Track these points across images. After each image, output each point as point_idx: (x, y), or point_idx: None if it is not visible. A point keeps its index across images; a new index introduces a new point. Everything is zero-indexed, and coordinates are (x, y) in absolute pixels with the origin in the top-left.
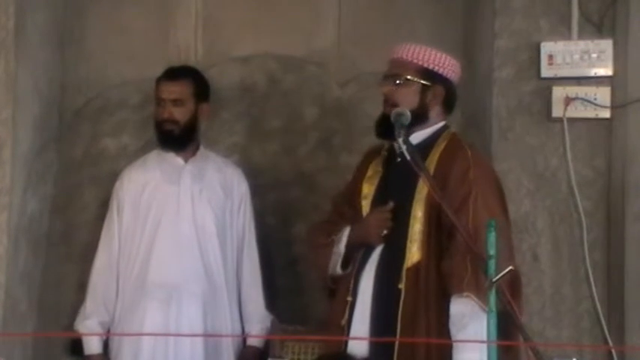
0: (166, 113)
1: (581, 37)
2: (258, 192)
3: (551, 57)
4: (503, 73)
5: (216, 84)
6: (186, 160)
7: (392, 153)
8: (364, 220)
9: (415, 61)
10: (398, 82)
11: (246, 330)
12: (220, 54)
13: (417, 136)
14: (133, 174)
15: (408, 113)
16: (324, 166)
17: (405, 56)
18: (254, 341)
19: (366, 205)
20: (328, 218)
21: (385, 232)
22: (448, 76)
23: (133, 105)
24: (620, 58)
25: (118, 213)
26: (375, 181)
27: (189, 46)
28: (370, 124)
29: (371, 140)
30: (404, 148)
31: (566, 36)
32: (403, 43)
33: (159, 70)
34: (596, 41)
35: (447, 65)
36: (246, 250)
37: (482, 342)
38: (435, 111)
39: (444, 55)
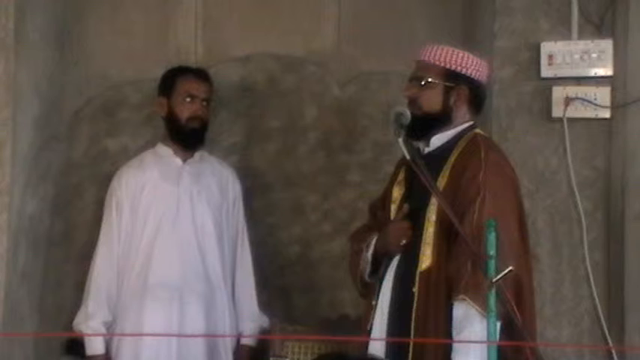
0: (199, 110)
1: (581, 37)
2: (258, 192)
3: (551, 57)
4: (503, 73)
5: (216, 84)
6: (184, 161)
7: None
8: (385, 229)
9: (438, 62)
10: (421, 84)
11: (240, 328)
12: (220, 54)
13: (441, 138)
14: (130, 174)
15: (408, 113)
16: (324, 166)
17: (427, 58)
18: (247, 340)
19: (394, 209)
20: (367, 223)
21: (404, 241)
22: (473, 75)
23: (133, 105)
24: (620, 58)
25: (117, 212)
26: (404, 185)
27: (189, 46)
28: (370, 124)
29: (371, 140)
30: (404, 148)
31: (566, 36)
32: (427, 45)
33: (159, 70)
34: (596, 41)
35: (471, 65)
36: (240, 249)
37: (482, 342)
38: (460, 111)
39: (467, 55)
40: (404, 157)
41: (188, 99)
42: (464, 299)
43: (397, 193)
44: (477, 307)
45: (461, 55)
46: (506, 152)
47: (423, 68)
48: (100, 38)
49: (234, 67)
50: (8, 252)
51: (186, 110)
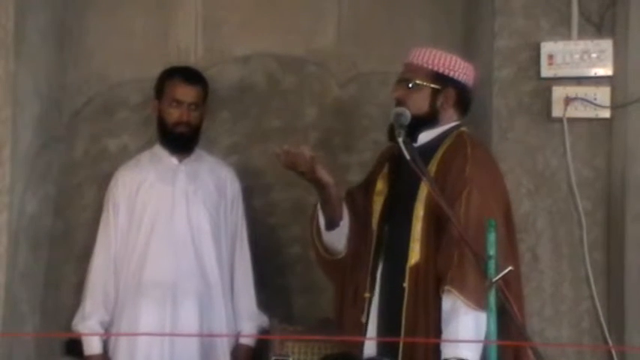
0: (184, 116)
1: (581, 37)
2: (258, 192)
3: (551, 57)
4: (503, 73)
5: (216, 84)
6: (180, 161)
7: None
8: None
9: (426, 65)
10: (409, 86)
11: (238, 328)
12: (220, 54)
13: (426, 136)
14: (127, 174)
15: (408, 113)
16: (324, 165)
17: (416, 60)
18: (246, 339)
19: (378, 202)
20: None
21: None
22: (460, 78)
23: (133, 105)
24: (620, 58)
25: (114, 213)
26: (388, 180)
27: (189, 46)
28: (370, 124)
29: (371, 140)
30: (403, 148)
31: (566, 36)
32: (416, 47)
33: (159, 70)
34: (596, 41)
35: (459, 68)
36: (239, 248)
37: (481, 342)
38: (447, 113)
39: (454, 58)
40: (388, 151)
41: (174, 104)
42: (450, 291)
43: (382, 185)
44: (463, 299)
45: (448, 58)
46: (506, 152)
47: (411, 70)
48: (100, 38)
49: (234, 67)
50: (8, 252)
51: (172, 115)
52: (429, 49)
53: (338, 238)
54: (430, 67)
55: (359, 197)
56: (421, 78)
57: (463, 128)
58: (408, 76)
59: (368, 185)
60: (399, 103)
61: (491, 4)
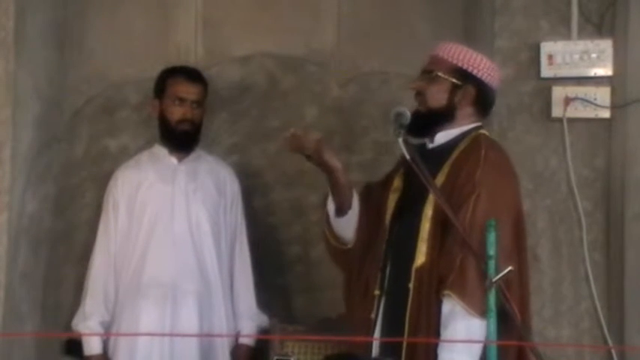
0: (188, 113)
1: (581, 37)
2: (258, 192)
3: (551, 57)
4: (503, 73)
5: (216, 84)
6: (180, 160)
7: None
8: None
9: (450, 59)
10: (430, 77)
11: (238, 327)
12: (220, 54)
13: (444, 136)
14: (127, 174)
15: (408, 113)
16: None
17: (441, 54)
18: (245, 339)
19: (392, 199)
20: None
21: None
22: (482, 77)
23: (133, 105)
24: (619, 58)
25: (114, 213)
26: (403, 179)
27: (189, 46)
28: (370, 124)
29: (371, 140)
30: (403, 147)
31: (566, 36)
32: (444, 42)
33: (159, 70)
34: (596, 41)
35: (483, 67)
36: (238, 248)
37: (479, 342)
38: (465, 111)
39: (479, 57)
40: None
41: (177, 102)
42: (450, 295)
43: (398, 183)
44: (462, 304)
45: (474, 55)
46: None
47: (434, 62)
48: (100, 38)
49: (234, 67)
50: (8, 252)
51: (175, 113)
52: (456, 45)
53: (346, 226)
54: (454, 61)
55: (376, 192)
56: (443, 71)
57: (482, 130)
58: (430, 67)
59: (386, 182)
60: (418, 94)
61: (491, 4)
